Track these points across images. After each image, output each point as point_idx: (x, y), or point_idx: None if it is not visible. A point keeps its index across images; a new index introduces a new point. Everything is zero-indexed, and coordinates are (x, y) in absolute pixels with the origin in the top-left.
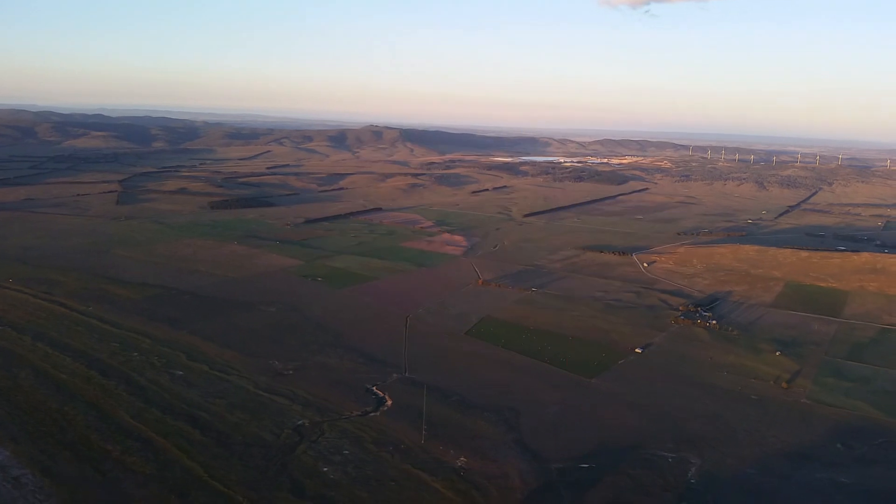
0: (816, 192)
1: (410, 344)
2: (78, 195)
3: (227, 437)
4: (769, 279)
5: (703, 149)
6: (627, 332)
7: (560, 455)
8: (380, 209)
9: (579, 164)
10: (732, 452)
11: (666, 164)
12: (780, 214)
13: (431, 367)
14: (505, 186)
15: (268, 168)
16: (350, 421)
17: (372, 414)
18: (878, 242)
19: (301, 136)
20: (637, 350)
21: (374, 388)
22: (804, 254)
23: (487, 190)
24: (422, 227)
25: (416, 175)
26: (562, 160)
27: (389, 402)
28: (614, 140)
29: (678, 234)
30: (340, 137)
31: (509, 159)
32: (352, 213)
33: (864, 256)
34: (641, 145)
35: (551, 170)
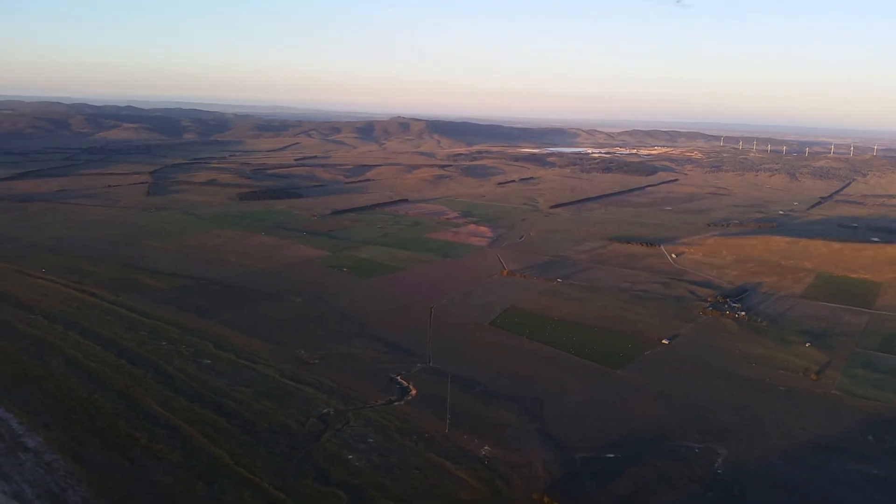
0: (850, 184)
1: (435, 334)
2: (110, 186)
3: (253, 425)
4: (800, 270)
5: (735, 139)
6: (654, 322)
7: (584, 445)
8: (406, 200)
9: (607, 155)
10: (760, 444)
11: (696, 155)
12: (813, 206)
13: (456, 356)
14: (532, 177)
15: (296, 160)
16: (374, 410)
17: (396, 403)
18: None
19: (329, 128)
20: (664, 341)
21: (399, 377)
22: (836, 245)
23: (514, 181)
24: (447, 219)
25: (442, 166)
26: (590, 151)
27: (414, 392)
28: (643, 130)
29: (708, 225)
30: (368, 129)
31: (536, 150)
32: (378, 205)
33: None
34: (671, 136)
35: (579, 161)
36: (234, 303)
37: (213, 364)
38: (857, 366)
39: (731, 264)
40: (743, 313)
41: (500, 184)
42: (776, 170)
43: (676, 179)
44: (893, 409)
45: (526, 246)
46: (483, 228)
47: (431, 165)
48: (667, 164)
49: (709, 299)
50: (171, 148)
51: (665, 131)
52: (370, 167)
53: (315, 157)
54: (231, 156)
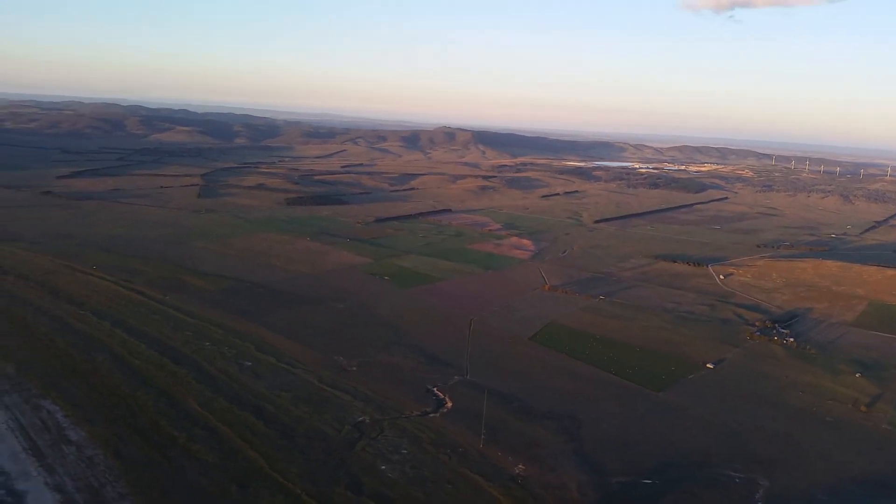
0: None
1: (473, 346)
2: (161, 187)
3: (290, 430)
4: (852, 297)
5: (787, 159)
6: (699, 345)
7: (622, 469)
8: (449, 210)
9: (655, 171)
10: (804, 476)
11: (747, 174)
12: (867, 230)
13: (493, 370)
14: (576, 191)
15: (342, 167)
16: (410, 420)
17: (431, 415)
18: None
19: (375, 136)
20: (709, 365)
21: (435, 388)
22: (890, 272)
23: (558, 194)
24: (490, 230)
25: (486, 177)
26: (637, 166)
27: (449, 404)
28: (693, 147)
29: (758, 246)
30: (413, 138)
31: (582, 164)
32: (421, 214)
33: None
34: (722, 153)
35: (625, 175)
36: (277, 306)
37: (254, 366)
38: None
39: (780, 288)
40: (792, 340)
41: (544, 196)
42: (829, 191)
43: (726, 198)
44: None
45: (569, 261)
46: (526, 241)
47: (476, 176)
48: (716, 181)
49: (757, 324)
50: (222, 152)
51: (715, 148)
52: (415, 176)
53: (361, 164)
54: (280, 161)
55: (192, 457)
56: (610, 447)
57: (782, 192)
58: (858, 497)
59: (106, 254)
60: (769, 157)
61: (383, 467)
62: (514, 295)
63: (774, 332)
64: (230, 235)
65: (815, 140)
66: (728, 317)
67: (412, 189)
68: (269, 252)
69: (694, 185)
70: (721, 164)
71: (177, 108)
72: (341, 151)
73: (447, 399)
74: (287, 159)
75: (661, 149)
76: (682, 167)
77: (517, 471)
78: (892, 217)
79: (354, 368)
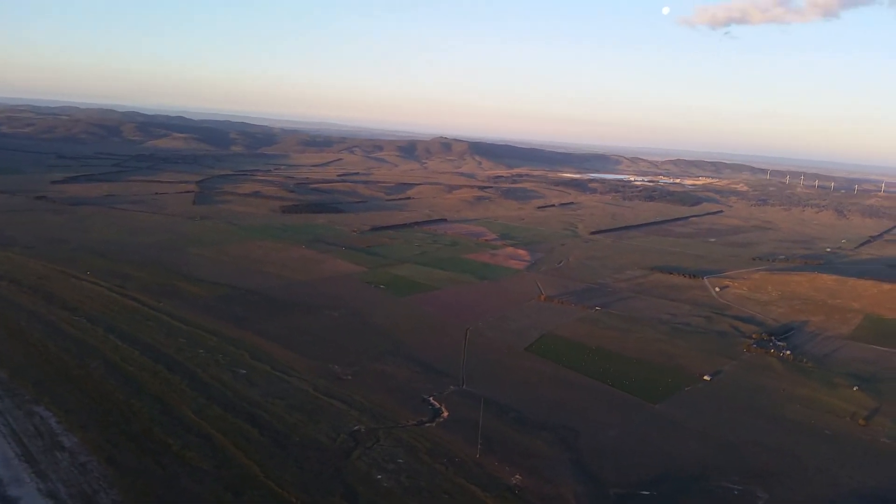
0: None
1: (469, 356)
2: (157, 193)
3: (284, 438)
4: (847, 311)
5: (782, 173)
6: (695, 357)
7: (619, 480)
8: (445, 220)
9: (650, 183)
10: (802, 490)
11: (742, 187)
12: (861, 244)
13: (489, 380)
14: (572, 203)
15: (338, 175)
16: (405, 430)
17: (427, 424)
18: None
19: (372, 146)
20: (705, 377)
21: (431, 398)
22: (886, 286)
23: (554, 205)
24: (486, 240)
25: (482, 188)
26: (632, 178)
27: (445, 414)
28: (688, 160)
29: (753, 259)
30: (410, 148)
31: (578, 176)
32: (417, 223)
33: None
34: (716, 167)
35: (621, 188)
36: (272, 314)
37: (249, 374)
38: None
39: (776, 301)
40: (788, 352)
41: (539, 207)
42: (823, 206)
43: (721, 211)
44: None
45: (564, 271)
46: (521, 252)
47: (472, 186)
48: (711, 195)
49: (753, 336)
50: (218, 159)
51: (710, 162)
52: (411, 185)
53: (357, 173)
54: (276, 169)
55: (186, 464)
56: (607, 458)
57: (777, 206)
58: None
59: (100, 259)
60: (764, 171)
61: (379, 477)
62: (510, 305)
63: (771, 344)
64: (225, 242)
65: (809, 155)
66: (724, 329)
67: (408, 198)
68: (264, 259)
69: (689, 198)
70: (716, 177)
71: (173, 114)
72: (338, 160)
73: (443, 409)
74: (283, 167)
75: (657, 162)
76: (678, 180)
77: (514, 481)
78: (886, 232)
79: (349, 377)
